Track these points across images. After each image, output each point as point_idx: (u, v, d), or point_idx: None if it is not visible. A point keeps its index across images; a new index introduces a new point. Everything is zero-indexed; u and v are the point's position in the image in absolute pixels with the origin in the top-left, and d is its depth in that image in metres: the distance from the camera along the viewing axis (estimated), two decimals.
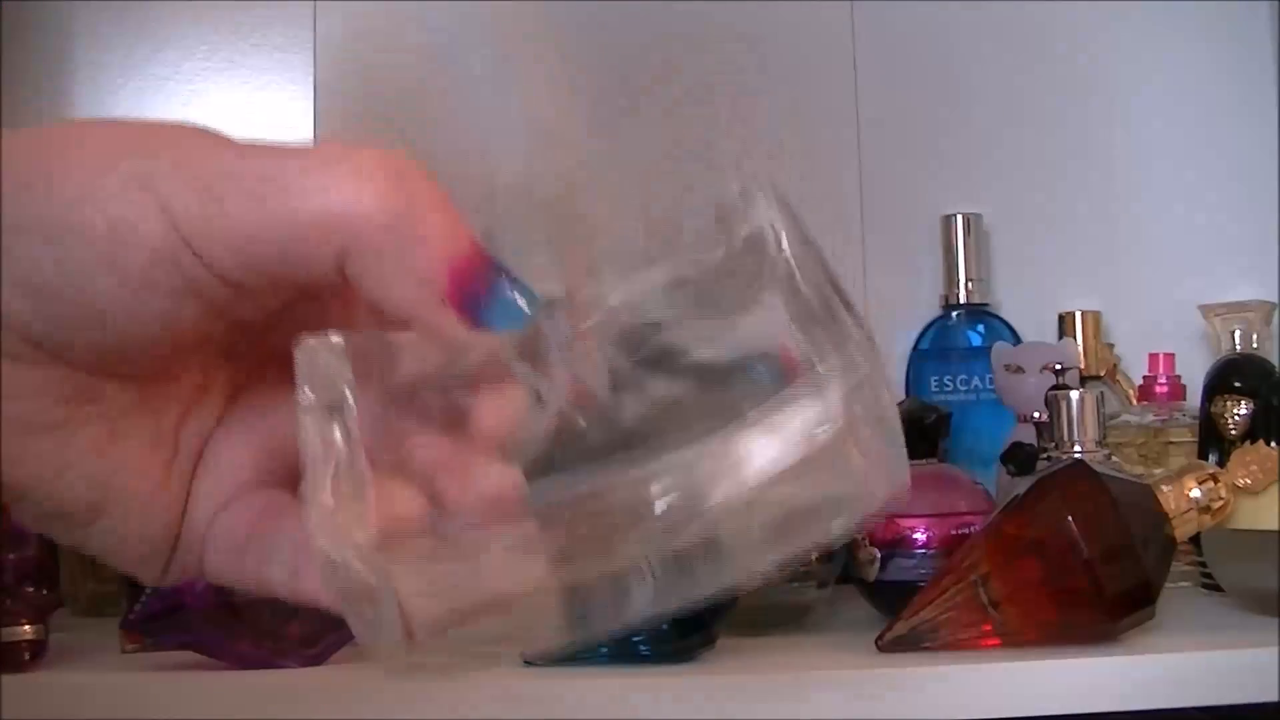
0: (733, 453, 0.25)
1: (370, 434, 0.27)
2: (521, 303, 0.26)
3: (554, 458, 0.27)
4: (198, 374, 0.29)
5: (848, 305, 0.27)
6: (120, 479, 0.28)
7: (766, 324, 0.27)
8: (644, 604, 0.26)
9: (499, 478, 0.27)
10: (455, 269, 0.25)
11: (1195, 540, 0.74)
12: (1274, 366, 0.85)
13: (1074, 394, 0.77)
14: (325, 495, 0.25)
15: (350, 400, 0.26)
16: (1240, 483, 0.71)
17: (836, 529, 0.27)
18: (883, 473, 0.26)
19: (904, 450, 0.26)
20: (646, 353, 0.28)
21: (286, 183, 0.25)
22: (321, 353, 0.27)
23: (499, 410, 0.28)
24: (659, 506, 0.25)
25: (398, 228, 0.25)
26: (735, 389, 0.28)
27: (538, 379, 0.27)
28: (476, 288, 0.25)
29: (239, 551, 0.29)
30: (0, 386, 0.26)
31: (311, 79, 1.09)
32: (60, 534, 0.28)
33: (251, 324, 0.28)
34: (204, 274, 0.25)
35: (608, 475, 0.25)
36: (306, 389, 0.26)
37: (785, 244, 0.27)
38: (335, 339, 0.27)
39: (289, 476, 0.29)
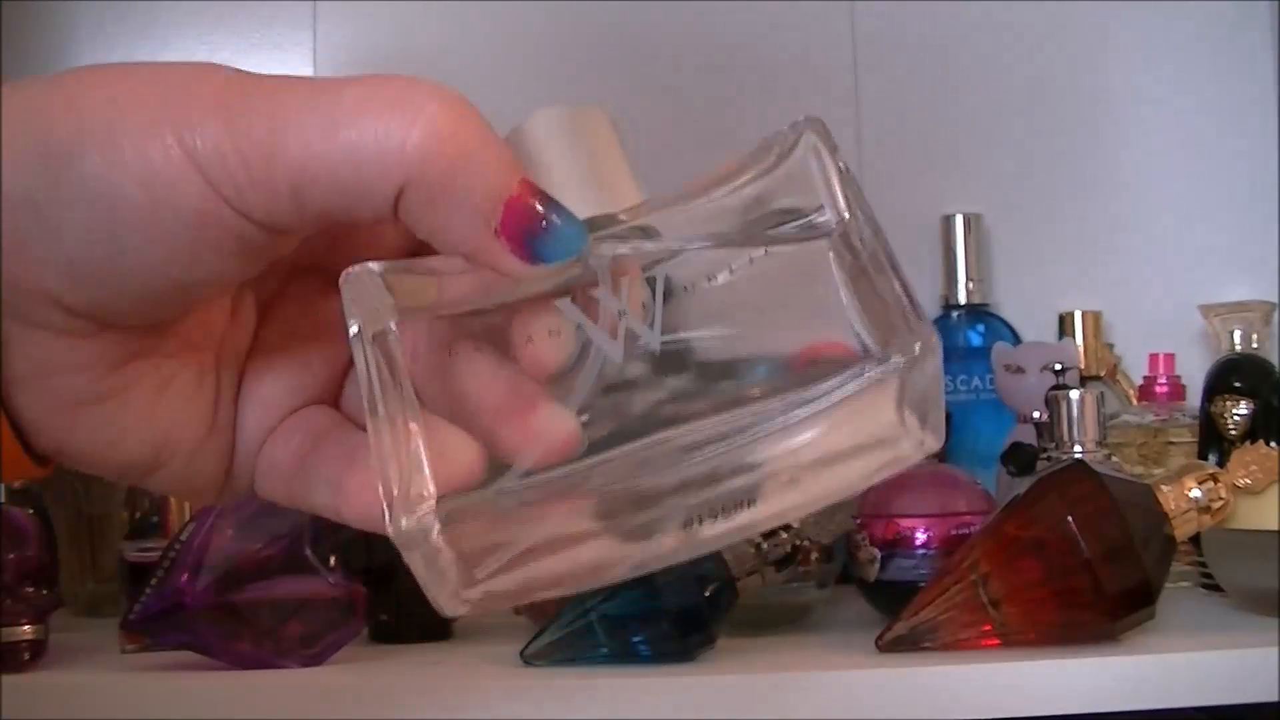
0: (789, 429, 0.26)
1: (420, 365, 0.27)
2: (573, 235, 0.26)
3: (598, 402, 0.27)
4: (226, 302, 0.30)
5: (895, 267, 0.27)
6: (173, 432, 0.29)
7: (818, 286, 0.27)
8: (690, 550, 0.28)
9: (558, 426, 0.27)
10: (510, 203, 0.25)
11: (1195, 540, 0.74)
12: (1274, 366, 0.85)
13: (1074, 394, 0.77)
14: (385, 447, 0.26)
15: (395, 330, 0.27)
16: (1240, 483, 0.71)
17: (872, 478, 0.28)
18: (921, 436, 0.26)
19: (943, 414, 0.27)
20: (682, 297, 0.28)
21: (341, 123, 0.24)
22: (367, 282, 0.27)
23: (546, 345, 0.28)
24: (707, 465, 0.26)
25: (454, 165, 0.25)
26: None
27: (582, 314, 0.27)
28: (530, 221, 0.26)
29: (287, 478, 0.30)
30: (53, 362, 0.26)
31: None
32: (116, 481, 0.29)
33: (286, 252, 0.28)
34: (252, 229, 0.25)
35: (658, 431, 0.26)
36: (355, 321, 0.27)
37: (840, 199, 0.27)
38: (377, 267, 0.27)
39: (327, 388, 0.30)
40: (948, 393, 1.00)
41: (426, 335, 0.28)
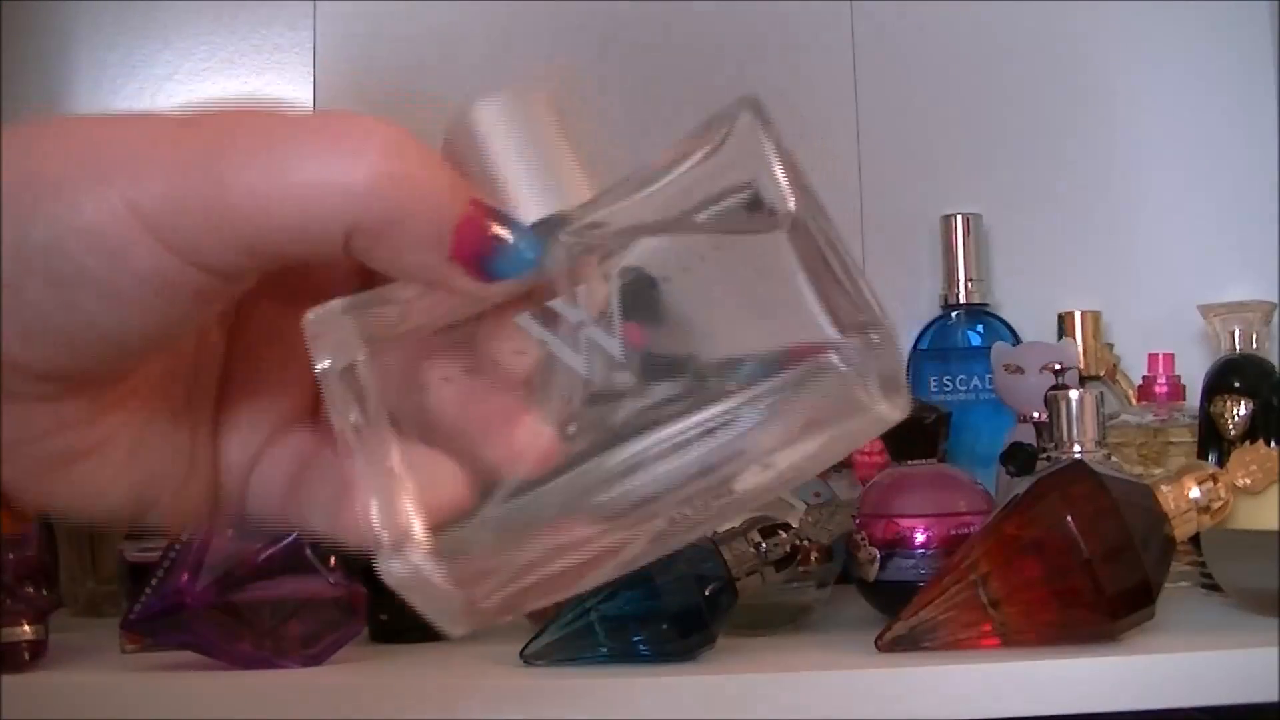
0: (763, 420, 0.26)
1: (394, 390, 0.27)
2: (527, 249, 0.26)
3: (581, 411, 0.27)
4: (191, 339, 0.30)
5: (843, 249, 0.27)
6: (155, 476, 0.29)
7: (777, 281, 0.28)
8: (678, 542, 0.28)
9: (538, 438, 0.27)
10: (460, 228, 0.26)
11: (1195, 540, 0.74)
12: (1274, 366, 0.85)
13: (1074, 394, 0.77)
14: (368, 490, 0.26)
15: (365, 360, 0.27)
16: (1240, 483, 0.71)
17: (839, 455, 0.29)
18: (885, 409, 0.27)
19: (905, 386, 0.27)
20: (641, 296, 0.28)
21: (284, 170, 0.24)
22: (330, 320, 0.27)
23: (514, 365, 0.28)
24: (696, 463, 0.26)
25: (400, 201, 0.25)
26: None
27: (543, 330, 0.27)
28: (482, 243, 0.26)
29: (279, 503, 0.30)
30: (27, 429, 0.26)
31: (311, 79, 1.09)
32: (106, 527, 0.29)
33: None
34: (208, 280, 0.25)
35: (639, 439, 0.26)
36: (321, 361, 0.27)
37: (789, 196, 0.27)
38: (340, 305, 0.27)
39: (305, 405, 0.30)
40: (947, 392, 1.00)
41: (397, 360, 0.28)
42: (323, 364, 0.27)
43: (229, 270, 0.25)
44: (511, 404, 0.28)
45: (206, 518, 0.30)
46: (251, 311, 0.30)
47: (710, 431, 0.26)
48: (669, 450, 0.26)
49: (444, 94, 1.06)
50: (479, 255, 0.26)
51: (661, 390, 0.27)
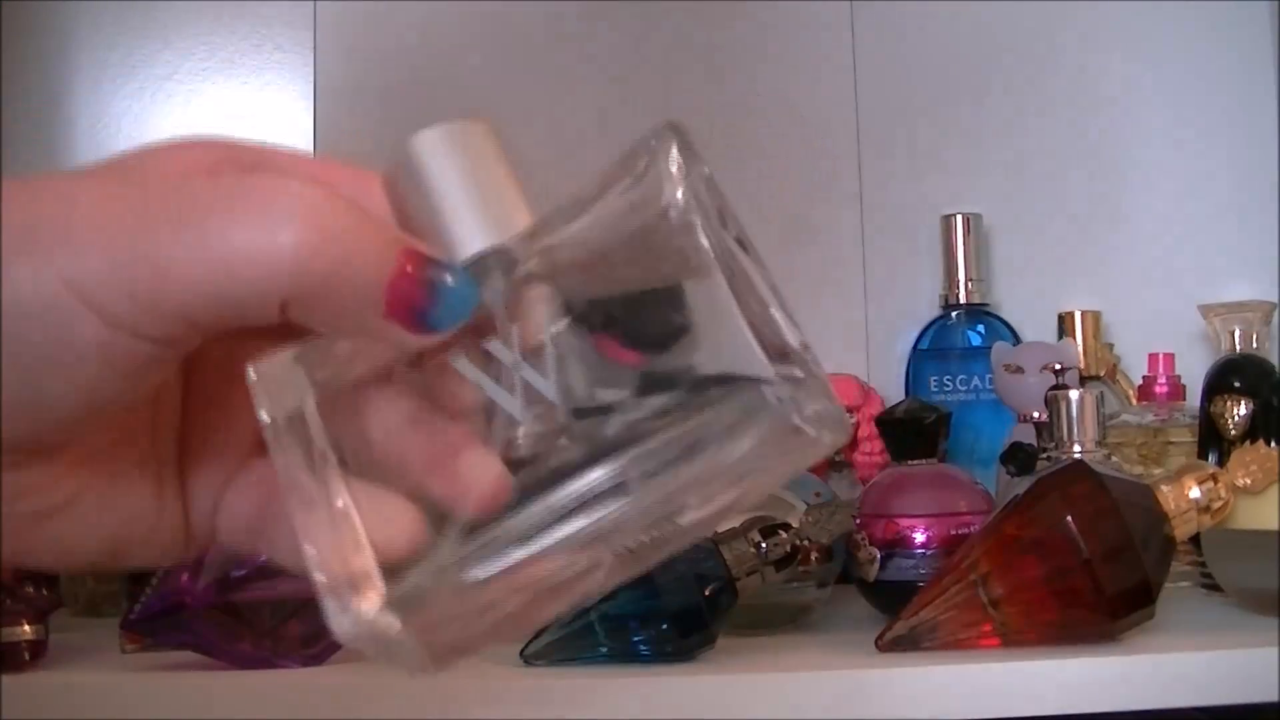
0: (695, 469, 0.26)
1: (342, 433, 0.27)
2: (462, 298, 0.26)
3: (517, 444, 0.27)
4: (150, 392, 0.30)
5: (774, 293, 0.27)
6: (126, 523, 0.29)
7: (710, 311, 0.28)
8: (631, 573, 0.28)
9: (485, 472, 0.27)
10: (391, 287, 0.26)
11: (1195, 540, 0.74)
12: (1274, 366, 0.85)
13: (1074, 394, 0.77)
14: (321, 545, 0.26)
15: (313, 407, 0.27)
16: (1240, 483, 0.71)
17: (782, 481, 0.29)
18: (823, 435, 0.27)
19: (840, 411, 0.27)
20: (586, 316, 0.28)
21: (215, 242, 0.25)
22: (275, 372, 0.27)
23: (461, 391, 0.28)
24: (650, 497, 0.26)
25: (330, 267, 0.25)
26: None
27: (480, 373, 0.27)
28: (416, 298, 0.26)
29: (249, 533, 0.30)
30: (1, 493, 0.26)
31: (311, 79, 1.09)
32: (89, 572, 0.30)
33: None
34: (153, 347, 0.25)
35: (580, 477, 0.26)
36: (265, 412, 0.27)
37: (703, 234, 0.27)
38: (284, 355, 0.27)
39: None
40: (947, 392, 1.00)
41: (345, 403, 0.28)
42: (266, 416, 0.27)
43: (171, 339, 0.25)
44: (459, 439, 0.28)
45: (182, 554, 0.31)
46: (205, 350, 0.30)
47: (651, 474, 0.26)
48: (614, 489, 0.26)
49: (444, 94, 1.06)
50: (413, 311, 0.26)
51: (597, 426, 0.27)
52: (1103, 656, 0.64)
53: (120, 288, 0.25)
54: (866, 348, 1.07)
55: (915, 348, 1.03)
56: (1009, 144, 1.08)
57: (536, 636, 0.68)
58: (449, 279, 0.26)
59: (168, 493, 0.30)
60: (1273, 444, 0.74)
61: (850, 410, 0.98)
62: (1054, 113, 1.08)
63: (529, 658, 0.67)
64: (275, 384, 0.27)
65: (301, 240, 0.24)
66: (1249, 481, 0.71)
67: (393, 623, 0.25)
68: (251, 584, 0.68)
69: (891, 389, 1.02)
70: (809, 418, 0.26)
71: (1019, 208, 1.07)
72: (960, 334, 1.03)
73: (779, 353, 0.26)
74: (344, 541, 0.26)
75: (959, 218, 1.03)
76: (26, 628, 0.69)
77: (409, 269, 0.26)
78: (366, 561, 0.26)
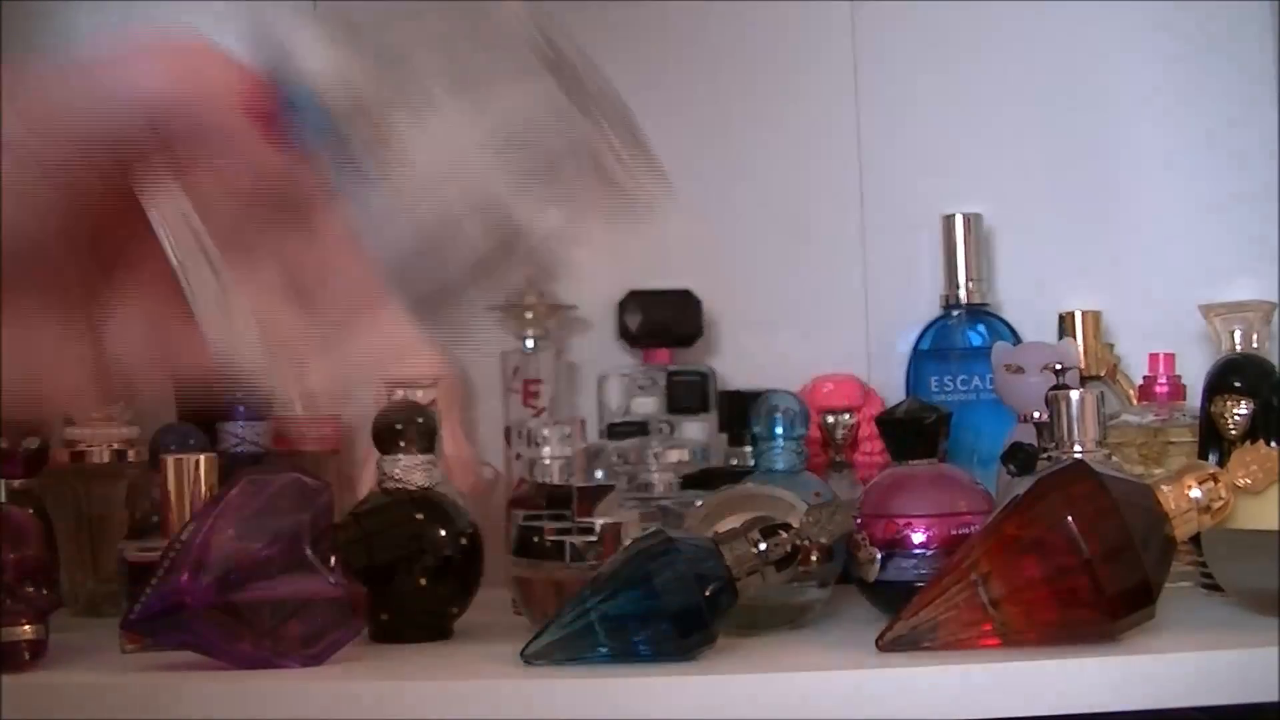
0: None
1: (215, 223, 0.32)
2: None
3: None
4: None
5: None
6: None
7: None
8: None
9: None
10: None
11: (1195, 540, 0.74)
12: (1274, 366, 0.85)
13: (1074, 394, 0.77)
14: (205, 299, 0.31)
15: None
16: (1240, 483, 0.71)
17: None
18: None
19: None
20: None
21: None
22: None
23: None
24: None
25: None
26: None
27: None
28: None
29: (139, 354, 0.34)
30: None
31: None
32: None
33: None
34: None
35: None
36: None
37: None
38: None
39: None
40: (948, 392, 1.00)
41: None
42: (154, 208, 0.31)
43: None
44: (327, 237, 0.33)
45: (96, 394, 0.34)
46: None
47: None
48: None
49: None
50: None
51: None
52: (1103, 656, 0.64)
53: None
54: (867, 348, 1.07)
55: (915, 348, 1.03)
56: (1009, 144, 1.08)
57: (536, 636, 0.68)
58: None
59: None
60: (1273, 444, 0.74)
61: (851, 410, 0.98)
62: (1054, 113, 1.08)
63: (529, 658, 0.67)
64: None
65: None
66: (1249, 481, 0.71)
67: (264, 366, 0.32)
68: (251, 584, 0.68)
69: (892, 389, 1.02)
70: None
71: (1019, 208, 1.07)
72: (961, 334, 1.03)
73: None
74: (228, 311, 0.32)
75: (959, 218, 1.03)
76: (26, 628, 0.69)
77: None
78: (247, 323, 0.32)
